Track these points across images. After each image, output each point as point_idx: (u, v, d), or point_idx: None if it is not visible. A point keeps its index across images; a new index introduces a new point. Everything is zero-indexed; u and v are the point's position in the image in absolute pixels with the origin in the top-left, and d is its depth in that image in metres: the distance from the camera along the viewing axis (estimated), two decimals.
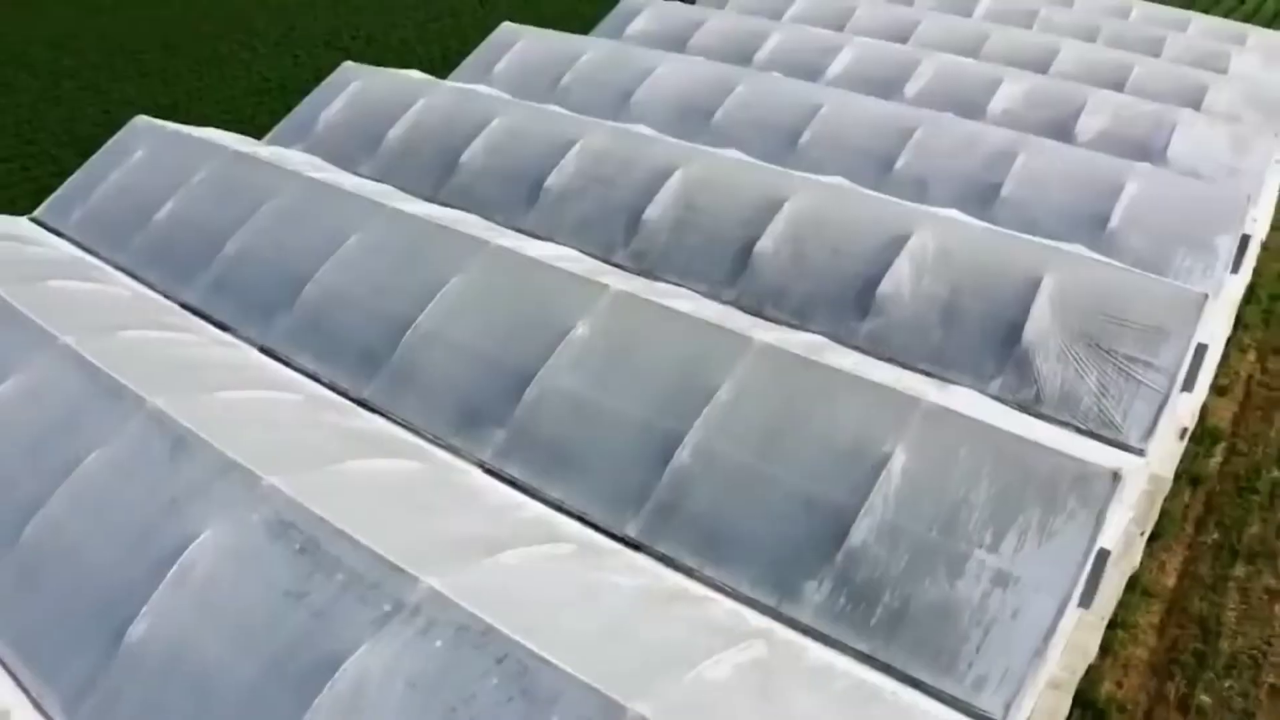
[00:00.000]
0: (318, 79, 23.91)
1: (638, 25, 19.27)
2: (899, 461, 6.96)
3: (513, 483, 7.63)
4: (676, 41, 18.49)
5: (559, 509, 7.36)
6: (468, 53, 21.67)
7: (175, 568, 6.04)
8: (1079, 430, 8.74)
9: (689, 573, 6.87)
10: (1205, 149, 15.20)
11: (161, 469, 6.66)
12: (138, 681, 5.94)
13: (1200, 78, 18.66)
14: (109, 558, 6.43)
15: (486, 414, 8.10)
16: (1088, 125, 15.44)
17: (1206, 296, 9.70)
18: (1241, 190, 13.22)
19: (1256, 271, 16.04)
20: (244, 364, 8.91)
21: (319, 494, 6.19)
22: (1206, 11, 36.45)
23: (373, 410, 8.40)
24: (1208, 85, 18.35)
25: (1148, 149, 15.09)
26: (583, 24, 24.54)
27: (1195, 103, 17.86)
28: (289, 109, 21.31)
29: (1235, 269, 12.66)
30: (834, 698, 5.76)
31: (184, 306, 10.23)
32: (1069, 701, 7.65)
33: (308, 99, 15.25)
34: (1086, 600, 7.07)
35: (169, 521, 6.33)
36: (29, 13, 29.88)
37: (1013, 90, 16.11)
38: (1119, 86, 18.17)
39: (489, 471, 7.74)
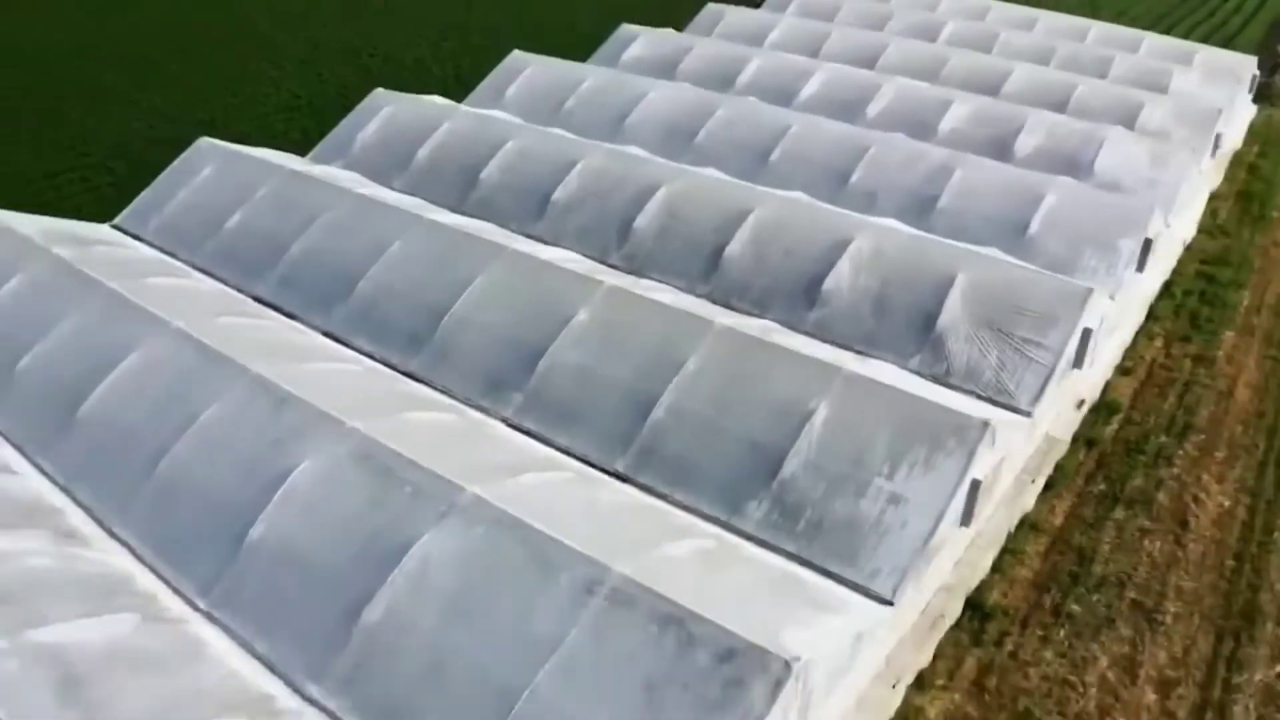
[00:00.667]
0: (341, 95, 26.33)
1: (633, 51, 21.49)
2: (821, 415, 9.15)
3: (528, 433, 9.84)
4: (667, 66, 20.72)
5: (565, 452, 9.56)
6: (478, 68, 23.87)
7: (283, 487, 8.24)
8: (980, 397, 10.94)
9: (662, 497, 9.06)
10: (1128, 163, 17.37)
11: (266, 418, 8.86)
12: (256, 570, 8.13)
13: (1137, 97, 20.79)
14: (229, 484, 8.62)
15: (507, 381, 10.32)
16: (1026, 143, 17.63)
17: (1091, 290, 11.91)
18: (1146, 201, 15.35)
19: (1176, 270, 18.16)
20: (312, 345, 11.12)
21: (388, 434, 8.40)
22: (1182, 24, 38.60)
23: (418, 380, 10.61)
24: (1143, 103, 20.51)
25: (1077, 163, 17.29)
26: (581, 36, 26.73)
27: (1130, 120, 20.00)
28: (317, 124, 23.59)
29: (1140, 268, 14.85)
30: (766, 578, 7.97)
31: (255, 299, 12.44)
32: (960, 603, 9.83)
33: (344, 122, 17.35)
34: (966, 520, 9.28)
35: (275, 455, 8.53)
36: (65, 30, 32.19)
37: (961, 111, 18.30)
38: (1062, 105, 20.35)
39: (510, 425, 9.95)
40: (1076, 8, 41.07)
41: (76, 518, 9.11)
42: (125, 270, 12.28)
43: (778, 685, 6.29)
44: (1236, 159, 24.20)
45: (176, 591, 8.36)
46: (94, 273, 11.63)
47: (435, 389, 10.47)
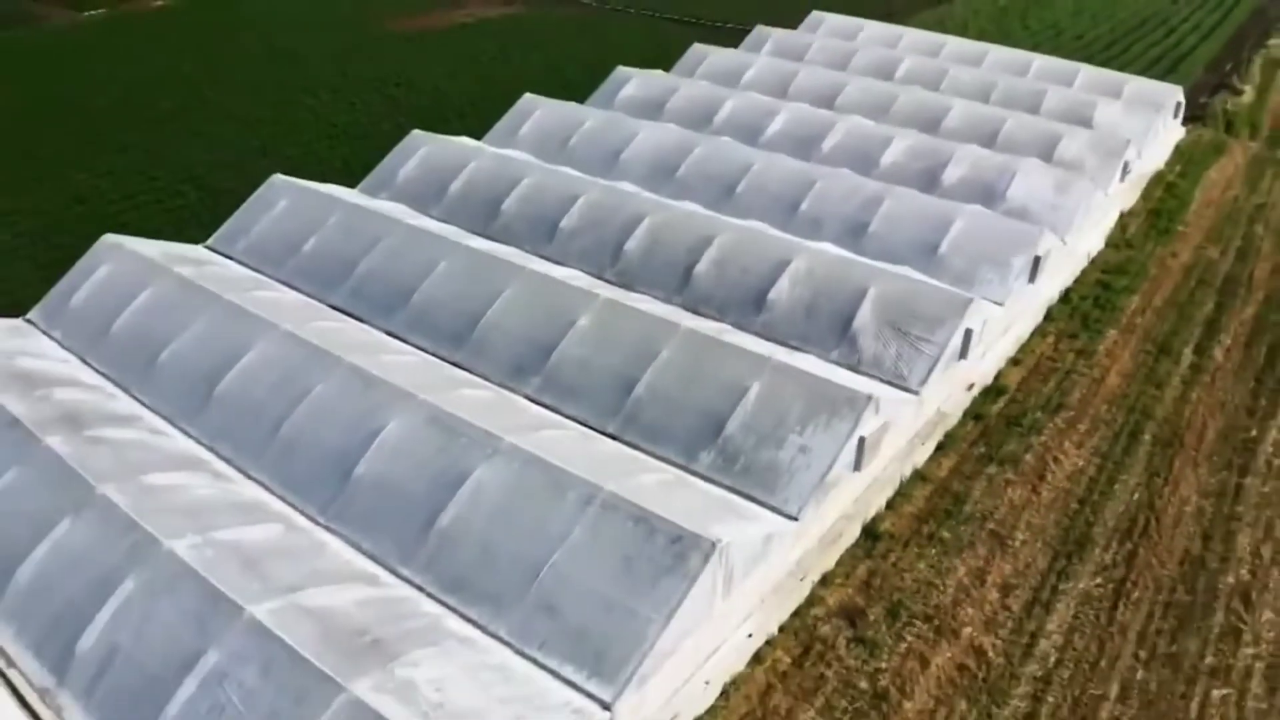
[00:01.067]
0: (372, 123, 29.99)
1: (627, 91, 25.15)
2: (754, 391, 12.79)
3: (544, 405, 13.49)
4: (656, 105, 24.36)
5: (570, 419, 13.22)
6: (491, 99, 27.37)
7: (377, 440, 11.90)
8: (881, 380, 14.57)
9: (641, 450, 12.70)
10: (1035, 192, 20.91)
11: (360, 393, 12.52)
12: (360, 496, 11.76)
13: (1057, 131, 24.20)
14: (338, 439, 12.27)
15: (528, 369, 13.98)
16: (952, 174, 21.19)
17: (972, 299, 15.52)
18: (1039, 224, 18.92)
19: (1079, 280, 21.70)
20: (380, 341, 14.80)
21: (447, 404, 12.07)
22: (1141, 43, 41.76)
23: (462, 368, 14.28)
24: (1061, 136, 23.99)
25: (993, 192, 20.83)
26: (582, 66, 30.31)
27: (1049, 152, 23.45)
28: (354, 150, 27.29)
29: (1032, 280, 18.44)
30: (709, 499, 11.64)
31: (331, 307, 16.09)
32: (858, 528, 13.47)
33: (388, 159, 20.86)
34: (858, 465, 12.91)
35: (369, 419, 12.19)
36: (126, 65, 35.81)
37: (901, 146, 21.88)
38: (992, 139, 23.84)
39: (531, 400, 13.61)
40: (1040, 31, 44.72)
41: (219, 465, 12.76)
42: (232, 285, 15.95)
43: (706, 557, 9.94)
44: (1157, 178, 27.64)
45: (302, 513, 11.99)
46: (210, 286, 15.30)
47: (475, 374, 14.12)
